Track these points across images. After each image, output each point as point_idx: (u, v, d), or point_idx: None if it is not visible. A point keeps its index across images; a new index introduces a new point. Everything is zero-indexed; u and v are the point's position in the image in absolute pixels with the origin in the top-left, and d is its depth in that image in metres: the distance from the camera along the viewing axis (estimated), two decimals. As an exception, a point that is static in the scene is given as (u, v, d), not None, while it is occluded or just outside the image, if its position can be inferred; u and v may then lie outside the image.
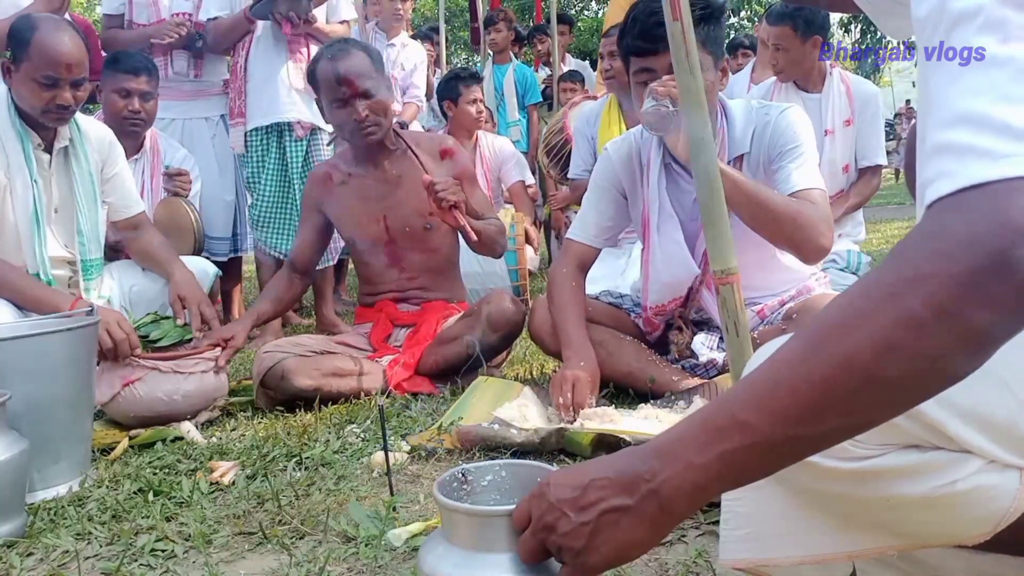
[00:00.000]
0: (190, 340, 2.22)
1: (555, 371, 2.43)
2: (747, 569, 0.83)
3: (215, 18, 3.44)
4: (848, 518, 0.76)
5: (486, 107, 4.64)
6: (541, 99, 5.76)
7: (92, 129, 2.40)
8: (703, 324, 2.19)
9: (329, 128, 3.59)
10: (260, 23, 3.41)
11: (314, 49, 3.47)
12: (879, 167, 3.37)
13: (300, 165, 3.46)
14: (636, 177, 2.13)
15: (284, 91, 3.40)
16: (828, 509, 0.76)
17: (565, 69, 5.61)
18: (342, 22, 3.62)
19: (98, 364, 2.05)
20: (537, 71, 6.35)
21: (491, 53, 5.78)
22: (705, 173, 1.32)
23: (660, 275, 2.10)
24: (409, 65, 4.35)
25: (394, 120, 2.46)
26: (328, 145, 3.58)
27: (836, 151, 3.26)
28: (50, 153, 2.27)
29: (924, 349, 0.55)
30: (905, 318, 0.55)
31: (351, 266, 4.32)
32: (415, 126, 4.32)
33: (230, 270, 3.59)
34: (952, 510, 0.70)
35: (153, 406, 2.04)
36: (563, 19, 6.59)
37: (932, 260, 0.55)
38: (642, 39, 1.89)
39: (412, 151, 2.46)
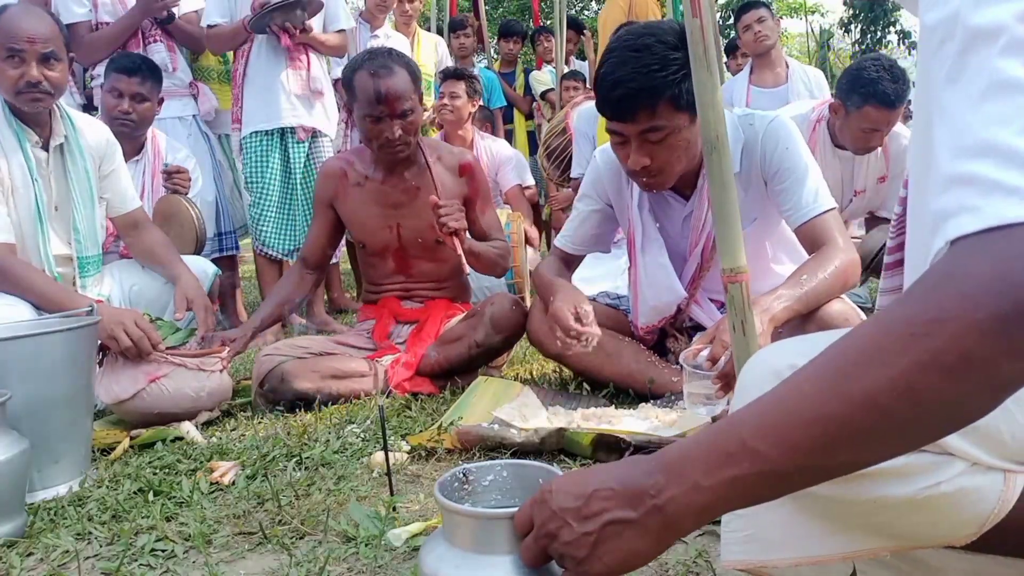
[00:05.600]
0: (186, 343, 2.23)
1: (555, 371, 2.44)
2: (747, 570, 0.84)
3: (215, 25, 3.49)
4: (840, 520, 0.76)
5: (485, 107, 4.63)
6: (505, 103, 5.75)
7: (88, 126, 2.39)
8: (698, 328, 2.19)
9: (331, 132, 3.65)
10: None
11: (313, 57, 3.53)
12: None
13: (302, 166, 3.53)
14: (623, 189, 2.11)
15: (284, 97, 3.47)
16: (821, 512, 0.76)
17: (567, 69, 5.60)
18: (339, 31, 3.65)
19: (100, 364, 2.05)
20: (541, 70, 6.34)
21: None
22: (719, 173, 1.32)
23: (647, 299, 2.10)
24: None
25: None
26: (330, 148, 3.62)
27: (862, 206, 3.09)
28: (47, 151, 2.27)
29: (944, 393, 0.54)
30: (926, 362, 0.54)
31: (342, 268, 4.34)
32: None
33: (224, 271, 3.59)
34: (938, 511, 0.71)
35: (179, 402, 2.06)
36: (575, 25, 6.53)
37: (957, 303, 0.53)
38: (608, 107, 1.82)
39: (429, 166, 2.46)
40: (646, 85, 1.75)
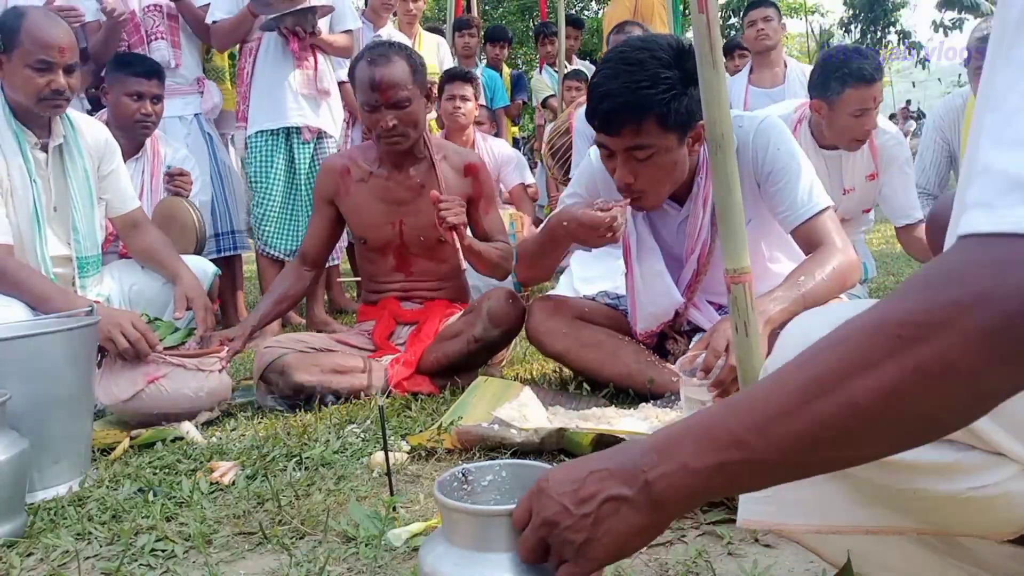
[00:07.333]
0: (185, 343, 2.23)
1: (554, 371, 2.44)
2: (762, 529, 0.84)
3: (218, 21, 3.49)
4: (874, 498, 0.76)
5: (486, 107, 4.62)
6: (508, 103, 5.74)
7: (87, 127, 2.40)
8: (697, 331, 2.19)
9: (336, 133, 3.66)
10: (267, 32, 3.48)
11: (320, 58, 3.53)
12: (920, 223, 2.94)
13: (307, 167, 3.54)
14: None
15: (291, 97, 3.47)
16: (852, 486, 0.76)
17: (569, 69, 5.59)
18: (346, 31, 3.65)
19: (99, 366, 2.05)
20: (541, 73, 6.34)
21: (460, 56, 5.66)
22: (723, 172, 1.32)
23: (645, 305, 2.10)
24: None
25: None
26: (335, 150, 3.63)
27: (854, 203, 3.00)
28: (46, 152, 2.27)
29: (930, 401, 0.54)
30: (910, 368, 0.53)
31: (342, 268, 4.34)
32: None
33: (223, 272, 3.59)
34: (980, 511, 0.71)
35: (178, 402, 2.07)
36: (574, 22, 6.53)
37: (949, 310, 0.51)
38: (596, 119, 1.82)
39: (434, 164, 2.46)
40: (633, 101, 1.74)
